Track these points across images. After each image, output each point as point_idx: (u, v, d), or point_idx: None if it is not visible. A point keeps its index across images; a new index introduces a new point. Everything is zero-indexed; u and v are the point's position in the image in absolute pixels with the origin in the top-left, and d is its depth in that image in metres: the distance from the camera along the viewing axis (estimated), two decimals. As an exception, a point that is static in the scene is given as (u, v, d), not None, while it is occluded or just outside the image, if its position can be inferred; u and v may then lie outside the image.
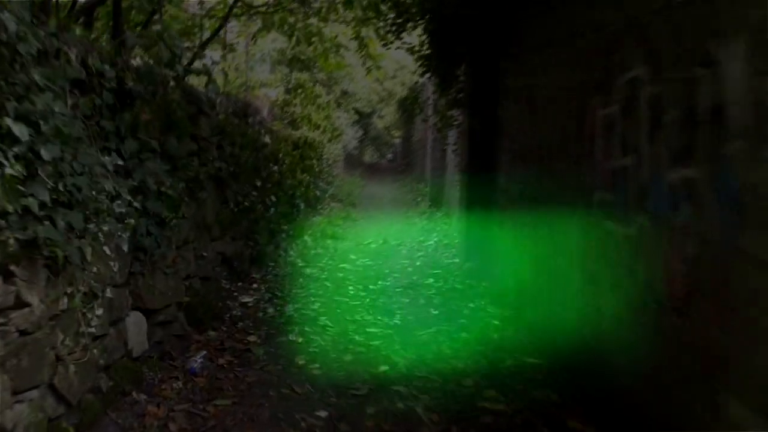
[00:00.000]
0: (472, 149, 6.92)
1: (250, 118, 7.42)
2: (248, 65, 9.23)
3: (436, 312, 5.41)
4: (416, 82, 10.21)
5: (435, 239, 9.38)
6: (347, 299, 5.90)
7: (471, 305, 5.53)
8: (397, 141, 35.59)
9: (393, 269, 7.42)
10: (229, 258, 5.85)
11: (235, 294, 5.59)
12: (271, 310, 5.30)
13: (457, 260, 7.63)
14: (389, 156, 42.43)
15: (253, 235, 6.51)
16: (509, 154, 5.91)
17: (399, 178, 20.47)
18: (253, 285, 6.12)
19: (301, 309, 5.40)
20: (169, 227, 3.88)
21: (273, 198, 7.30)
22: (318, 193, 10.70)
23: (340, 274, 7.09)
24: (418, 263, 7.79)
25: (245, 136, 6.24)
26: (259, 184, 6.79)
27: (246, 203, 6.13)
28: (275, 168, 7.97)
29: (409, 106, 22.02)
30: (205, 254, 4.99)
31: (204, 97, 4.97)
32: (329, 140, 11.10)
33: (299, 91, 9.33)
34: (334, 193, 13.61)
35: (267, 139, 7.74)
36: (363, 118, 21.64)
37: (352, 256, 8.17)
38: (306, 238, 8.64)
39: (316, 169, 10.39)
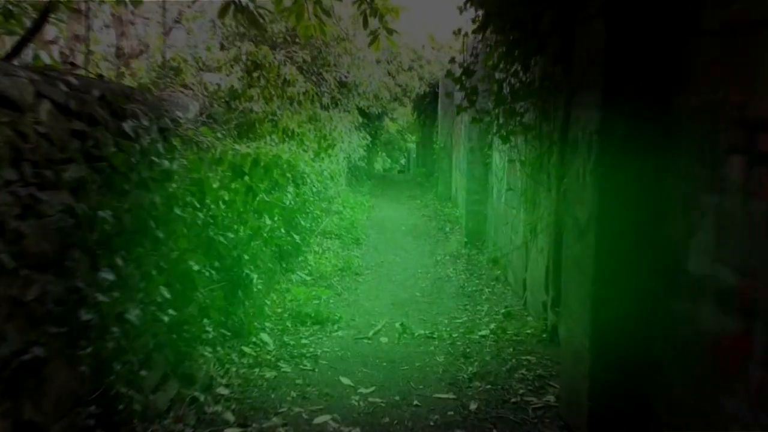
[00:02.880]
0: (611, 188, 3.01)
1: (143, 124, 3.66)
2: (167, 33, 5.49)
3: None
4: (448, 69, 6.07)
5: (492, 327, 5.42)
6: None
7: None
8: (412, 146, 31.65)
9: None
10: None
11: None
12: None
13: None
14: (402, 162, 38.58)
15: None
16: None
17: (417, 193, 16.53)
18: None
19: None
20: None
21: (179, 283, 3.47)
22: (297, 238, 6.83)
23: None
24: (473, 406, 3.84)
25: (117, 157, 2.47)
26: (120, 263, 2.98)
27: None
28: (200, 215, 4.16)
29: (428, 105, 18.12)
30: None
31: None
32: (317, 154, 7.20)
33: (256, 75, 5.43)
34: (328, 228, 9.72)
35: (173, 164, 3.92)
36: (371, 121, 17.76)
37: (347, 381, 4.26)
38: (259, 340, 4.74)
39: (292, 203, 6.54)
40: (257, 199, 4.71)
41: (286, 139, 5.98)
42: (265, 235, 5.32)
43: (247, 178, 4.47)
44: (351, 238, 9.68)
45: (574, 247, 3.36)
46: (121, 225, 3.43)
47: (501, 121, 5.46)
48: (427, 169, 20.15)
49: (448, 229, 10.94)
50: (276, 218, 5.92)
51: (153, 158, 3.81)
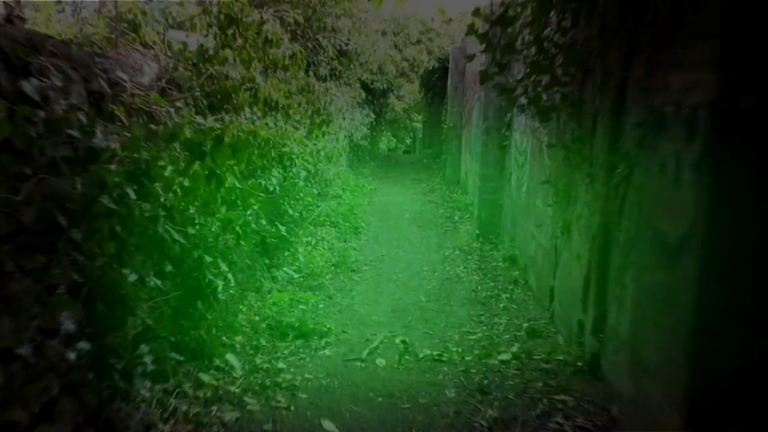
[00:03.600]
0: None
1: (55, 85, 2.67)
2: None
3: None
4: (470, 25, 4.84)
5: (514, 350, 4.42)
6: None
7: None
8: (418, 126, 30.47)
9: None
10: None
11: None
12: None
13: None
14: (408, 142, 37.33)
15: None
16: None
17: (423, 176, 15.46)
18: None
19: None
20: None
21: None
22: (283, 230, 5.81)
23: None
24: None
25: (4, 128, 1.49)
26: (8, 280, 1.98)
27: None
28: (144, 207, 3.18)
29: (437, 81, 16.93)
30: None
31: None
32: (310, 132, 6.15)
33: (231, 32, 4.36)
34: (325, 213, 8.70)
35: (105, 140, 2.93)
36: (375, 98, 16.61)
37: (330, 428, 3.28)
38: (224, 362, 3.76)
39: (278, 189, 5.52)
40: (224, 185, 3.71)
41: (269, 112, 4.93)
42: (238, 229, 4.30)
43: (208, 159, 3.47)
44: (349, 226, 8.66)
45: (655, 272, 2.33)
46: (11, 224, 2.44)
47: (531, 93, 4.39)
48: (434, 150, 19.03)
49: (457, 217, 9.90)
50: (254, 208, 4.91)
51: (71, 132, 2.79)
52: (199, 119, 3.78)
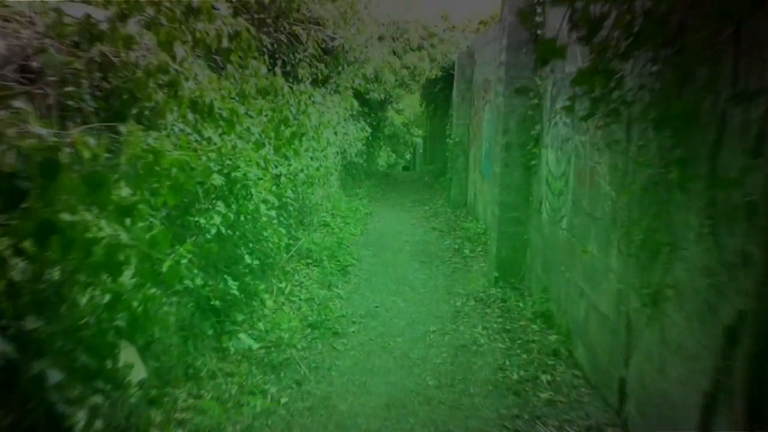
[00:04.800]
0: None
1: None
2: None
3: None
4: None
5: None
6: None
7: None
8: (418, 141, 28.86)
9: None
10: None
11: None
12: None
13: None
14: (407, 157, 35.68)
15: None
16: None
17: (425, 197, 13.77)
18: None
19: None
20: None
21: None
22: (234, 286, 4.14)
23: None
24: None
25: None
26: None
27: None
28: None
29: (440, 91, 15.31)
30: None
31: None
32: (278, 149, 4.49)
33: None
34: (306, 249, 7.02)
35: None
36: (372, 110, 14.93)
37: None
38: None
39: (227, 229, 3.86)
40: (82, 240, 2.07)
41: (202, 120, 3.31)
42: (137, 304, 2.65)
43: (34, 200, 1.84)
44: (336, 265, 6.98)
45: None
46: None
47: (598, 93, 2.76)
48: (436, 167, 17.35)
49: (467, 250, 8.21)
50: (183, 262, 3.25)
51: None
52: (46, 130, 2.13)
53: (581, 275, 4.41)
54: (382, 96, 13.93)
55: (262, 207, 4.24)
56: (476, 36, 12.52)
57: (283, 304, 5.45)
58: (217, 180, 3.73)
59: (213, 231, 3.83)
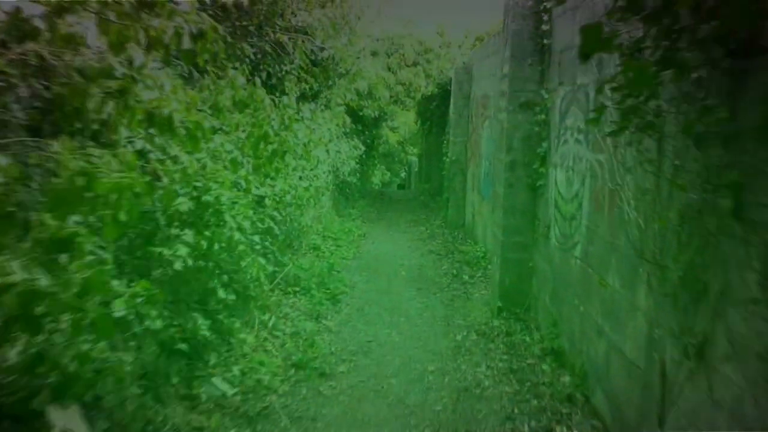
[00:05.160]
0: None
1: None
2: None
3: None
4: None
5: None
6: None
7: None
8: (414, 159, 28.44)
9: None
10: None
11: None
12: None
13: None
14: (402, 175, 35.25)
15: None
16: None
17: (421, 217, 13.26)
18: None
19: None
20: None
21: None
22: (204, 327, 3.62)
23: None
24: None
25: None
26: None
27: None
28: None
29: (436, 108, 14.90)
30: None
31: None
32: (257, 169, 3.99)
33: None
34: (293, 276, 6.49)
35: None
36: (366, 127, 14.46)
37: None
38: None
39: (194, 260, 3.34)
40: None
41: (158, 135, 2.83)
42: (67, 360, 2.14)
43: None
44: (325, 293, 6.45)
45: None
46: None
47: (644, 96, 2.28)
48: (432, 186, 16.87)
49: (466, 276, 7.69)
50: (138, 299, 2.73)
51: None
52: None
53: (599, 311, 3.90)
54: (376, 113, 13.49)
55: (237, 235, 3.72)
56: (474, 50, 12.12)
57: (266, 339, 4.91)
58: (184, 205, 3.22)
59: (179, 263, 3.31)
